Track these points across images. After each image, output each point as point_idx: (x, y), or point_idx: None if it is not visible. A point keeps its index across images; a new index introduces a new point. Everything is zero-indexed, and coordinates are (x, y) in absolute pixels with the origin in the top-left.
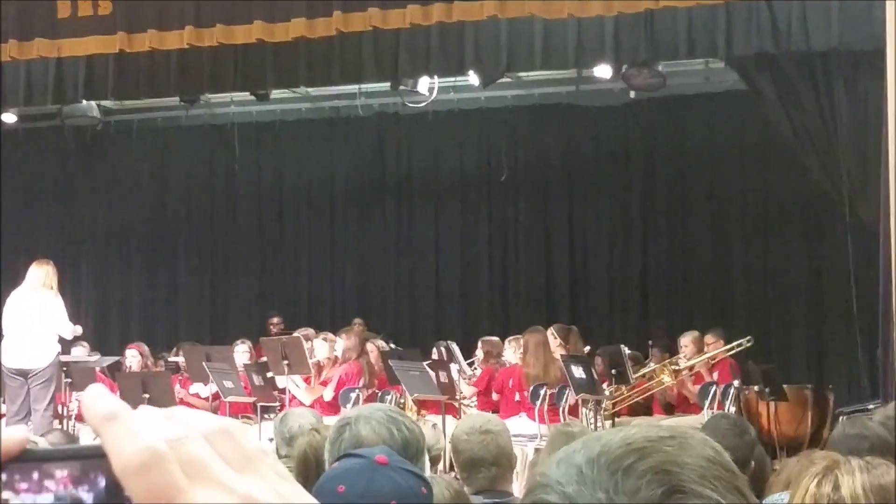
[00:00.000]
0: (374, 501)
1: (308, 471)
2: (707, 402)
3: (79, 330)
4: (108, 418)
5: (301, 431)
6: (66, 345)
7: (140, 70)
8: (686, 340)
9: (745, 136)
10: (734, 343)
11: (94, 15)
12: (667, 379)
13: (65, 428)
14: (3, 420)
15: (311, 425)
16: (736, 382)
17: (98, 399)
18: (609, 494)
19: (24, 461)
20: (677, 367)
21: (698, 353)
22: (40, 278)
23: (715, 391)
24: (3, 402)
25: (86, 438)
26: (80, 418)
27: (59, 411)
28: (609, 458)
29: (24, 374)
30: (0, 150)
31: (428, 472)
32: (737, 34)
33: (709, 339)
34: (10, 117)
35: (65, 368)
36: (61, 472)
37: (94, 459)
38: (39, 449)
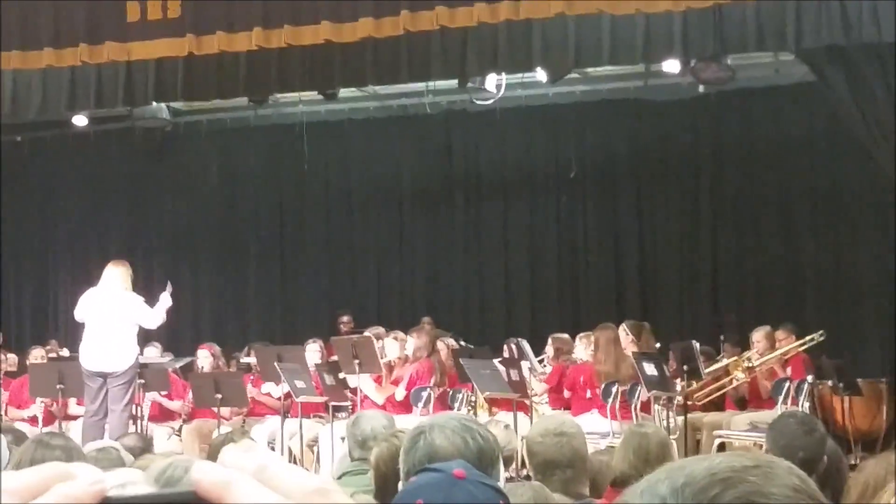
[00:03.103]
0: None
1: (386, 476)
2: (781, 398)
3: (167, 298)
4: (225, 484)
5: (374, 434)
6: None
7: (209, 71)
8: (758, 336)
9: (816, 129)
10: (806, 338)
11: (162, 18)
12: (740, 376)
13: (138, 428)
14: (82, 420)
15: (385, 427)
16: (809, 377)
17: (209, 469)
18: None
19: None
20: (750, 365)
21: (770, 349)
22: (117, 279)
23: (788, 387)
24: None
25: (159, 439)
26: (153, 419)
27: (133, 412)
28: (694, 489)
29: (103, 375)
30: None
31: (503, 477)
32: (806, 26)
33: (780, 334)
34: (81, 119)
35: (137, 369)
36: None
37: None
38: (121, 496)
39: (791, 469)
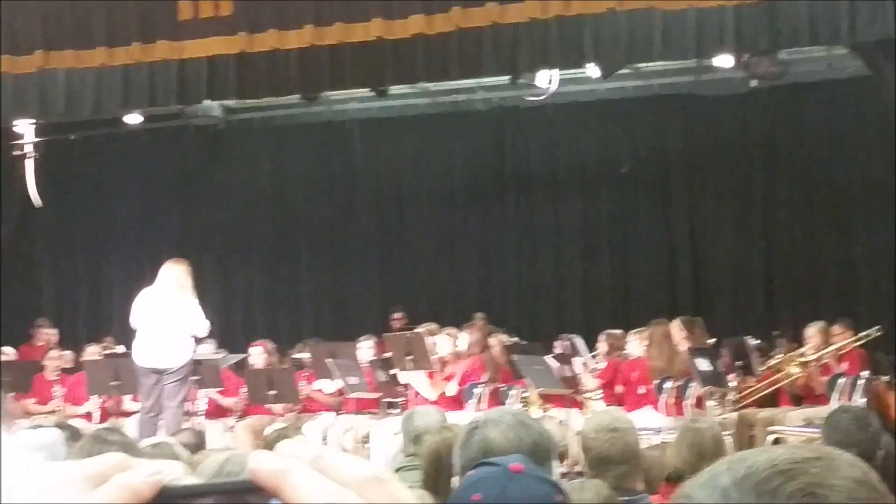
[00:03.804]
0: None
1: (437, 469)
2: (835, 394)
3: (206, 326)
4: (282, 472)
5: (427, 429)
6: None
7: (261, 69)
8: (812, 331)
9: (870, 124)
10: (862, 333)
11: (215, 16)
12: (795, 371)
13: (192, 425)
14: (138, 416)
15: (438, 423)
16: (865, 373)
17: (265, 458)
18: None
19: (164, 500)
20: (805, 359)
21: (825, 344)
22: (174, 278)
23: (843, 382)
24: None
25: (213, 436)
26: (207, 415)
27: (187, 408)
28: (755, 481)
29: (158, 372)
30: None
31: (557, 472)
32: (860, 20)
33: (836, 329)
34: (134, 118)
35: (192, 366)
36: None
37: (236, 495)
38: (178, 486)
39: (854, 461)
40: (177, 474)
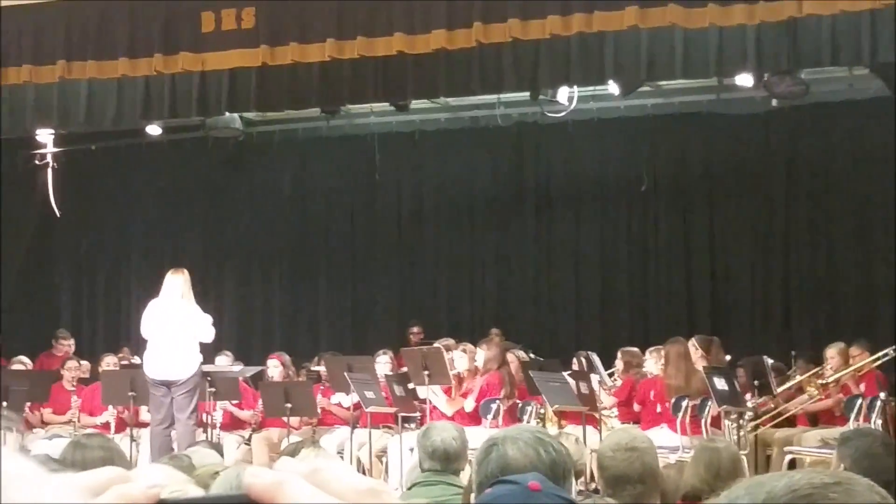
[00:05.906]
0: None
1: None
2: (853, 415)
3: (212, 332)
4: (277, 485)
5: (444, 445)
6: (209, 354)
7: (282, 82)
8: (832, 352)
9: (890, 144)
10: (880, 353)
11: (237, 28)
12: (813, 391)
13: (208, 437)
14: (149, 429)
15: (454, 439)
16: (882, 395)
17: (260, 472)
18: None
19: None
20: (824, 381)
21: (844, 365)
22: (178, 288)
23: (861, 403)
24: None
25: (229, 448)
26: (224, 427)
27: (204, 420)
28: None
29: (167, 384)
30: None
31: (574, 490)
32: (882, 41)
33: (853, 351)
34: (155, 129)
35: (209, 378)
36: None
37: None
38: (175, 499)
39: (871, 486)
40: (180, 487)
